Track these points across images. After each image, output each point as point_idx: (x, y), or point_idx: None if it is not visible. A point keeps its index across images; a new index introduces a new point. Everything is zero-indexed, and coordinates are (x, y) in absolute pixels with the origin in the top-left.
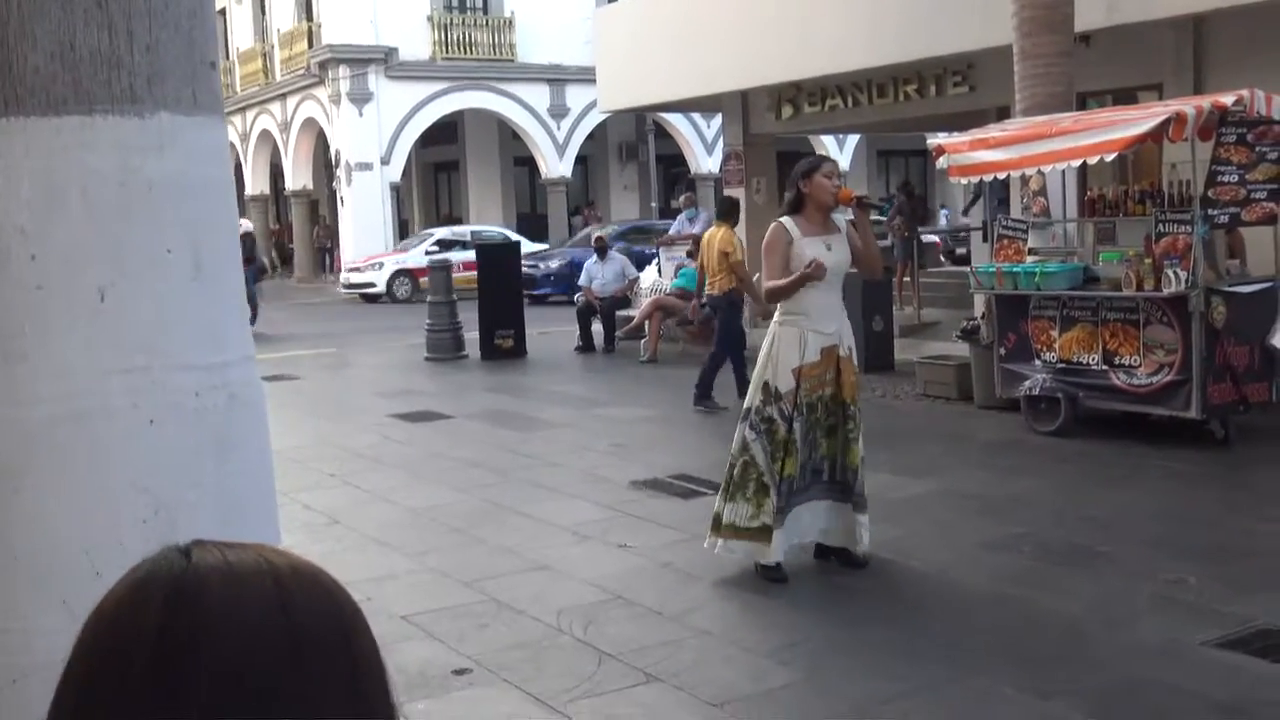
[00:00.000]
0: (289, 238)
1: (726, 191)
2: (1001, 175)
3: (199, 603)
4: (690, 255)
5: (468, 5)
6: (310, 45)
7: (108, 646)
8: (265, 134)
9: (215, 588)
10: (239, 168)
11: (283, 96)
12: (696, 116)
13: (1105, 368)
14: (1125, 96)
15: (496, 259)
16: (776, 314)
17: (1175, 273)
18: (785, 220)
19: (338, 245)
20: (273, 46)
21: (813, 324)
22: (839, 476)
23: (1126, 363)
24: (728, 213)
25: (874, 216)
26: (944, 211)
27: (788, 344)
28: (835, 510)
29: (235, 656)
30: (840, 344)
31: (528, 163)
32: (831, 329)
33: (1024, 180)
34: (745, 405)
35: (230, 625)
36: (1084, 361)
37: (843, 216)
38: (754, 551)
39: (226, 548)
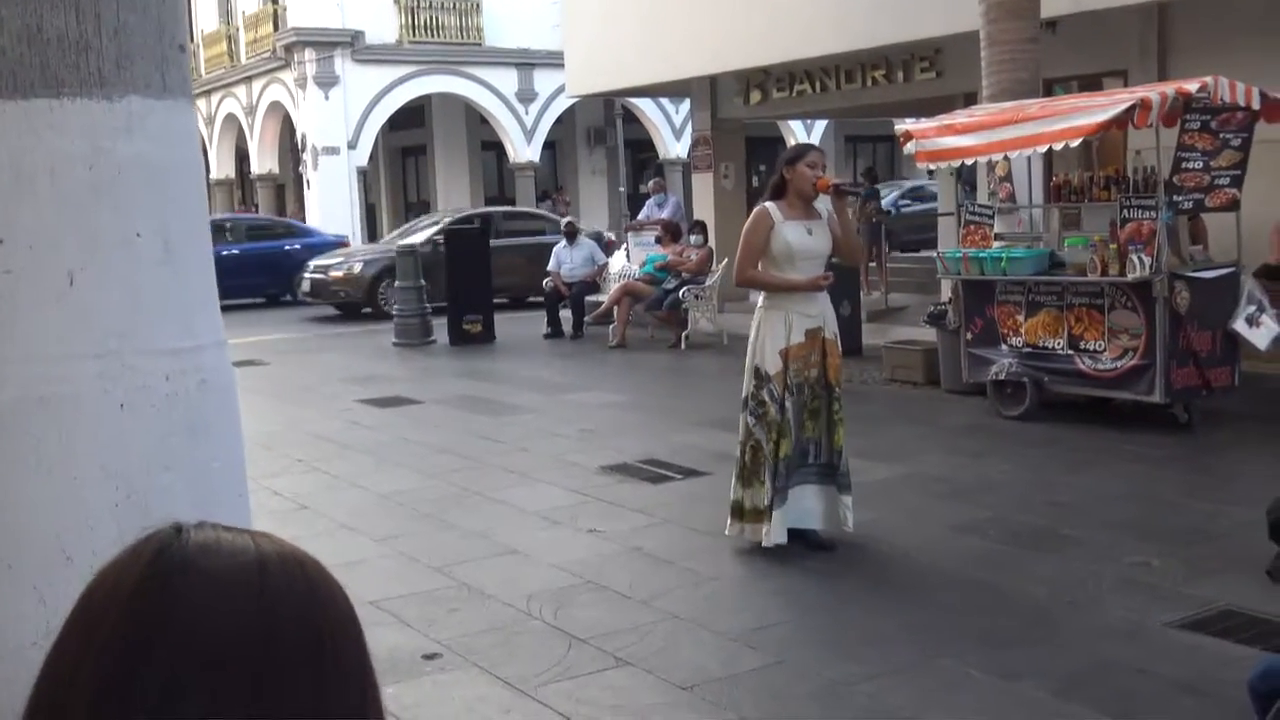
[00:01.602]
0: None
1: (695, 176)
2: (968, 161)
3: (177, 576)
4: (658, 240)
5: None
6: (275, 28)
7: (84, 608)
8: (230, 117)
9: (197, 564)
10: (204, 151)
11: (248, 79)
12: (665, 102)
13: (1070, 352)
14: (1091, 83)
15: (465, 244)
16: (761, 299)
17: (1140, 258)
18: (769, 204)
19: None
20: (238, 29)
21: (796, 307)
22: (823, 458)
23: (1091, 348)
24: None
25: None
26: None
27: (772, 327)
28: (819, 492)
29: (203, 633)
30: (824, 327)
31: (496, 147)
32: (815, 312)
33: (990, 166)
34: (743, 394)
35: (203, 602)
36: (1050, 346)
37: (824, 205)
38: (755, 533)
39: (224, 530)
